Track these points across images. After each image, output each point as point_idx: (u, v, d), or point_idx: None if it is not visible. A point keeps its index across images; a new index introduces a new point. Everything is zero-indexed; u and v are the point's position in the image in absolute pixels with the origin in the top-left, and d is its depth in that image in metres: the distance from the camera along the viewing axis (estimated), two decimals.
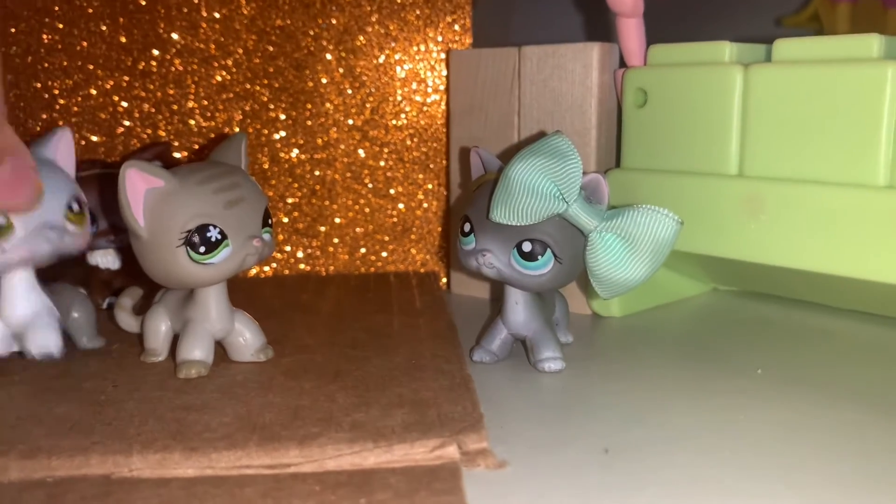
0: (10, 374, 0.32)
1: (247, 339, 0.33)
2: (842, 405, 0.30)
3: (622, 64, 0.41)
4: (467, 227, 0.32)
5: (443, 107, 0.49)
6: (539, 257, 0.31)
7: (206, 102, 0.48)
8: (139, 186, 0.30)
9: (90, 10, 0.47)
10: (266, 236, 0.32)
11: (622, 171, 0.40)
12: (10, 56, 0.47)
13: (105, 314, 0.41)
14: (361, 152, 0.50)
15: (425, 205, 0.50)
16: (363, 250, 0.50)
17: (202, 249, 0.30)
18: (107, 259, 0.43)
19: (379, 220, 0.50)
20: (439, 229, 0.50)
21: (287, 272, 0.50)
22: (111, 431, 0.26)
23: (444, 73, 0.49)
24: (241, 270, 0.32)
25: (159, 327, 0.34)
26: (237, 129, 0.49)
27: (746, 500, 0.23)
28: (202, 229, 0.30)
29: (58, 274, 0.42)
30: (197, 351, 0.32)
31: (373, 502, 0.22)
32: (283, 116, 0.49)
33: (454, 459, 0.25)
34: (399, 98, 0.49)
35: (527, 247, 0.31)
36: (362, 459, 0.25)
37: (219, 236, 0.30)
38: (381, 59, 0.49)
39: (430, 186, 0.50)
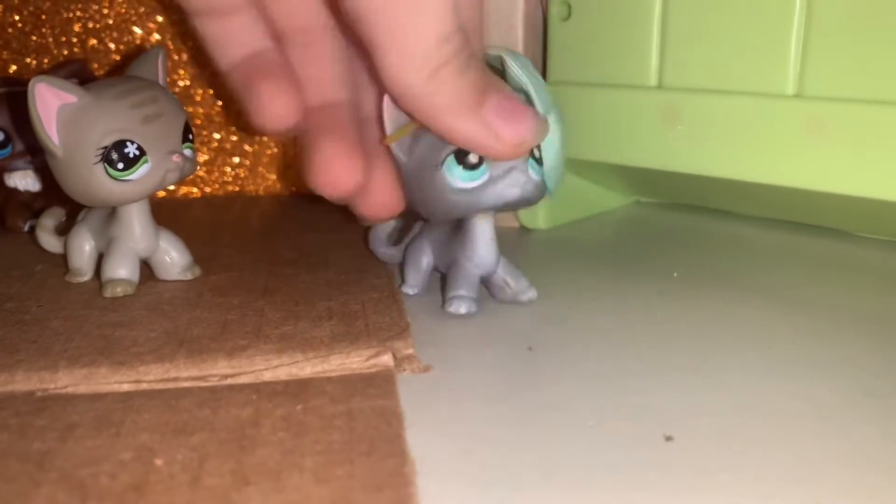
0: None
1: (173, 258, 0.33)
2: (748, 300, 0.32)
3: None
4: (474, 158, 0.28)
5: None
6: (540, 162, 0.30)
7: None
8: (51, 102, 0.29)
9: None
10: (187, 152, 0.32)
11: (549, 84, 0.40)
12: None
13: (26, 237, 0.40)
14: None
15: None
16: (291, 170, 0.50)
17: (120, 166, 0.29)
18: (26, 181, 0.42)
19: None
20: None
21: (214, 192, 0.50)
22: (36, 349, 0.26)
23: None
24: (163, 187, 0.31)
25: (83, 246, 0.34)
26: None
27: (662, 386, 0.25)
28: (119, 145, 0.29)
29: None
30: (122, 269, 0.32)
31: (309, 408, 0.23)
32: None
33: (388, 367, 0.26)
34: None
35: (537, 152, 0.29)
36: (299, 370, 0.25)
37: (136, 152, 0.30)
38: None
39: None
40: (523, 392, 0.25)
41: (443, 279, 0.32)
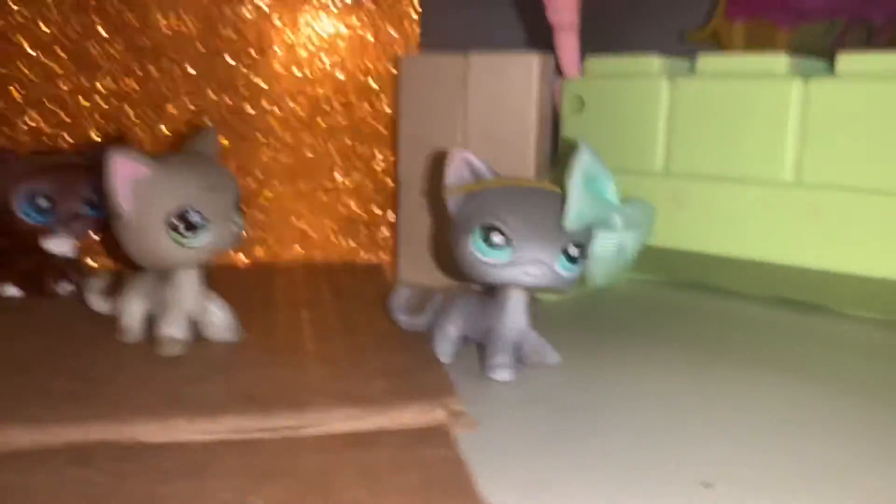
0: None
1: (220, 319, 0.35)
2: (750, 370, 0.35)
3: (557, 72, 0.45)
4: (498, 239, 0.31)
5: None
6: (581, 260, 0.32)
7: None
8: (124, 173, 0.31)
9: None
10: (239, 221, 0.34)
11: (561, 170, 0.44)
12: None
13: (62, 299, 0.42)
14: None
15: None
16: (314, 240, 0.53)
17: (185, 232, 0.32)
18: (62, 246, 0.44)
19: (330, 214, 0.53)
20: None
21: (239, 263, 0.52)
22: (112, 402, 0.28)
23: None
24: (217, 254, 0.33)
25: (135, 308, 0.35)
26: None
27: (691, 438, 0.27)
28: (185, 213, 0.32)
29: (11, 261, 0.43)
30: (175, 329, 0.34)
31: (379, 456, 0.25)
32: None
33: (443, 422, 0.28)
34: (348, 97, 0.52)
35: (573, 251, 0.32)
36: (362, 423, 0.27)
37: (199, 220, 0.32)
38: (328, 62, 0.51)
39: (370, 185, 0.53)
40: (566, 445, 0.27)
41: (479, 346, 0.35)
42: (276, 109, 0.51)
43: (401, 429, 0.27)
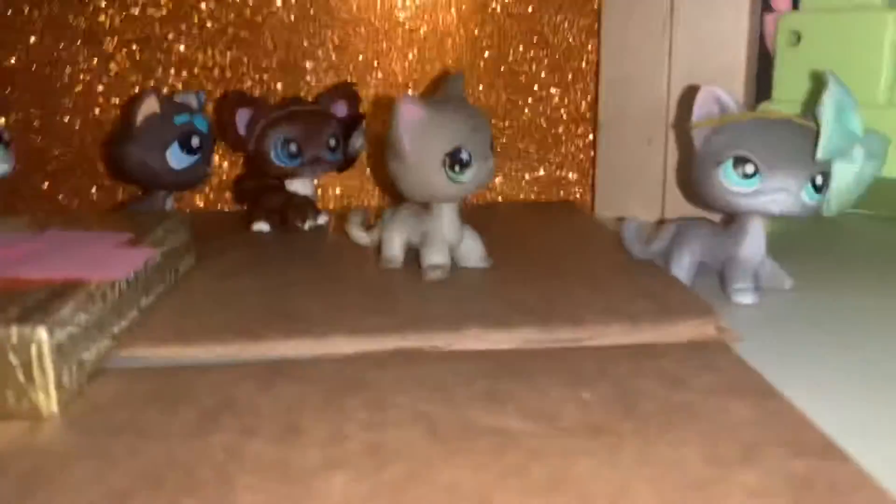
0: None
1: (472, 247, 0.39)
2: None
3: (765, 7, 0.46)
4: (750, 169, 0.34)
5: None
6: (824, 189, 0.34)
7: None
8: (409, 116, 0.35)
9: None
10: (493, 160, 0.37)
11: (775, 102, 0.45)
12: None
13: (304, 233, 0.47)
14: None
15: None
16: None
17: (457, 169, 0.35)
18: (305, 187, 0.48)
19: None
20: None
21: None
22: (404, 315, 0.32)
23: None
24: (480, 191, 0.37)
25: (396, 239, 0.40)
26: None
27: None
28: (458, 151, 0.35)
29: (261, 201, 0.49)
30: (439, 256, 0.38)
31: (661, 367, 0.28)
32: None
33: (713, 335, 0.31)
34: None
35: (819, 180, 0.34)
36: (638, 337, 0.30)
37: (468, 158, 0.35)
38: None
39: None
40: (828, 354, 0.29)
41: (720, 274, 0.37)
42: None
43: (675, 342, 0.30)
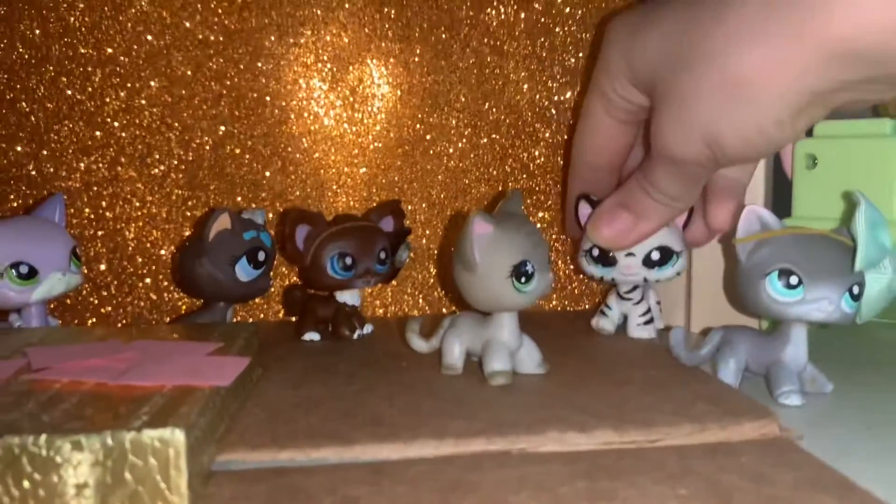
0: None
1: (530, 354, 0.41)
2: None
3: None
4: (794, 280, 0.37)
5: None
6: (860, 297, 0.37)
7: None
8: (480, 231, 0.38)
9: None
10: (550, 273, 0.40)
11: (795, 219, 0.49)
12: None
13: (353, 341, 0.49)
14: None
15: None
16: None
17: (523, 280, 0.38)
18: (353, 298, 0.51)
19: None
20: None
21: None
22: (486, 419, 0.34)
23: None
24: (538, 300, 0.40)
25: (455, 346, 0.42)
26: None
27: None
28: (523, 264, 0.38)
29: (312, 311, 0.50)
30: (501, 363, 0.40)
31: (742, 464, 0.30)
32: None
33: (776, 434, 0.33)
34: None
35: (856, 290, 0.37)
36: (705, 437, 0.32)
37: (532, 270, 0.38)
38: None
39: None
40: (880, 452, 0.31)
41: (765, 378, 0.39)
42: None
43: (742, 440, 0.32)
